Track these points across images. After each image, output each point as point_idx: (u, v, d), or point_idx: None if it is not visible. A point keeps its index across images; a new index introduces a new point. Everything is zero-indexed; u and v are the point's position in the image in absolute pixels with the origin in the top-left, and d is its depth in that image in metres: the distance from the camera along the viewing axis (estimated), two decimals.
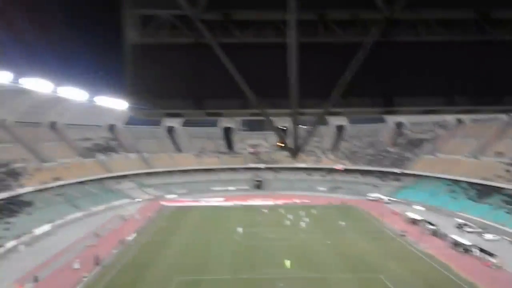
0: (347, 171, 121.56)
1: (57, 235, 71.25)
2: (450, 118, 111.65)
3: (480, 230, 69.02)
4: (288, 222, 77.13)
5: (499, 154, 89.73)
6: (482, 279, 47.83)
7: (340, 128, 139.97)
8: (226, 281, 48.01)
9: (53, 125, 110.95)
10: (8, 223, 69.19)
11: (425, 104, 8.00)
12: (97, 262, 54.07)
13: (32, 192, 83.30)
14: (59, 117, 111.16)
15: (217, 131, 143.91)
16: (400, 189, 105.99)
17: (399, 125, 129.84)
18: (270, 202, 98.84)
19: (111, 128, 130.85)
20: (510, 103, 7.94)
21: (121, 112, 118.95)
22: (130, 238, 67.14)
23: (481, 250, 57.10)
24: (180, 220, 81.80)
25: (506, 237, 65.67)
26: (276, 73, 7.76)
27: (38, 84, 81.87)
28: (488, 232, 67.28)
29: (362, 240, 65.17)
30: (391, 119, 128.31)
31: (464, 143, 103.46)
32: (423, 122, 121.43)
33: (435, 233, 68.14)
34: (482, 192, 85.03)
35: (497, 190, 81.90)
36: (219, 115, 9.03)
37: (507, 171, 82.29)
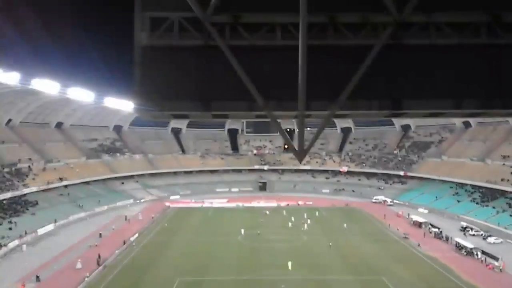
0: (351, 173, 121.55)
1: (60, 235, 71.43)
2: (456, 121, 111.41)
3: (483, 233, 68.81)
4: (291, 224, 77.06)
5: (506, 157, 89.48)
6: (484, 282, 47.72)
7: (345, 131, 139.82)
8: (228, 282, 48.04)
9: (59, 126, 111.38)
10: (12, 223, 69.44)
11: (434, 106, 7.97)
12: (99, 262, 54.16)
13: (36, 192, 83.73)
14: (65, 118, 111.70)
15: (223, 133, 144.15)
16: (405, 191, 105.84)
17: (405, 128, 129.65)
18: (273, 204, 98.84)
19: (117, 129, 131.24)
20: None
21: (127, 113, 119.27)
22: (133, 238, 67.23)
23: (484, 253, 56.99)
24: (183, 221, 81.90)
25: (509, 240, 65.48)
26: (284, 75, 7.77)
27: (45, 85, 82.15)
28: (491, 235, 67.07)
29: (365, 242, 65.08)
30: (398, 122, 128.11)
31: (470, 146, 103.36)
32: (429, 125, 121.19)
33: (438, 236, 67.99)
34: (487, 195, 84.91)
35: (502, 193, 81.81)
36: (225, 116, 9.05)
37: None
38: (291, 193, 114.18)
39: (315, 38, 7.60)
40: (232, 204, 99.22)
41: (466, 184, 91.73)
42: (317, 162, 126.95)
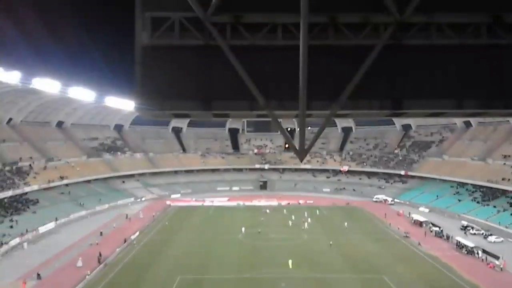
0: (352, 172, 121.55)
1: (61, 233, 71.53)
2: (457, 121, 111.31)
3: (484, 232, 68.80)
4: (291, 223, 77.08)
5: (506, 157, 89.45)
6: (485, 280, 47.72)
7: (346, 130, 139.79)
8: (228, 281, 48.09)
9: (60, 125, 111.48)
10: (13, 221, 69.54)
11: (435, 106, 7.99)
12: (100, 260, 54.23)
13: (37, 190, 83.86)
14: (66, 117, 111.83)
15: (223, 132, 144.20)
16: (405, 191, 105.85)
17: (406, 127, 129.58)
18: (274, 203, 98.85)
19: (118, 128, 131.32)
20: None
21: (128, 113, 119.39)
22: (133, 237, 67.28)
23: (485, 252, 57.01)
24: (184, 220, 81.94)
25: (510, 239, 65.52)
26: (285, 75, 7.79)
27: (46, 84, 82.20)
28: (492, 234, 67.06)
29: (366, 241, 65.09)
30: (398, 122, 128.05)
31: (470, 145, 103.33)
32: (430, 124, 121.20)
33: (439, 235, 68.00)
34: (488, 194, 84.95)
35: (503, 192, 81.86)
36: (226, 116, 9.07)
37: None
38: (291, 192, 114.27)
39: (316, 38, 7.62)
40: (233, 203, 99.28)
41: (467, 184, 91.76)
42: (317, 161, 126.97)
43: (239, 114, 8.85)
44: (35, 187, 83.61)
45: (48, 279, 48.66)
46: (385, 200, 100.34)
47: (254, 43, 7.73)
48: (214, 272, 51.07)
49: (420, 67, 7.84)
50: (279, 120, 8.54)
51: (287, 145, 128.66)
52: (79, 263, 53.01)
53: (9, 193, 76.50)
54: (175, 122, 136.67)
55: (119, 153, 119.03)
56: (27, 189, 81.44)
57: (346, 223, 75.58)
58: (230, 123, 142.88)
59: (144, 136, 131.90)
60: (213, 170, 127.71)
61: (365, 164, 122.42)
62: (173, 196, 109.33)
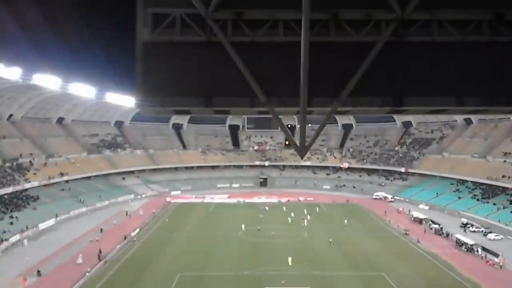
0: (352, 169, 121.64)
1: (61, 230, 71.62)
2: (458, 118, 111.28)
3: (484, 229, 68.87)
4: (291, 220, 77.14)
5: (507, 154, 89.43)
6: (484, 278, 47.76)
7: (346, 127, 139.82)
8: (228, 278, 48.13)
9: (60, 121, 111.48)
10: (13, 217, 69.61)
11: (436, 104, 7.97)
12: (100, 257, 54.28)
13: (37, 187, 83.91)
14: (67, 113, 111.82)
15: (224, 129, 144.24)
16: (405, 188, 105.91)
17: (406, 124, 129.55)
18: (274, 200, 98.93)
19: (118, 124, 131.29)
20: None
21: (128, 109, 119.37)
22: (133, 233, 67.32)
23: (484, 249, 57.06)
24: (184, 217, 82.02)
25: (509, 237, 65.55)
26: (286, 72, 7.77)
27: (47, 80, 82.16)
28: (492, 232, 67.12)
29: (366, 239, 65.16)
30: (399, 119, 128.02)
31: (471, 143, 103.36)
32: (431, 122, 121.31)
33: (439, 232, 68.07)
34: (488, 192, 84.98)
35: (503, 190, 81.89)
36: (227, 112, 9.05)
37: None
38: (292, 189, 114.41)
39: (317, 35, 7.61)
40: (233, 200, 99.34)
41: (467, 181, 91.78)
42: (318, 158, 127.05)
43: (240, 110, 8.82)
44: (35, 183, 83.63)
45: (48, 276, 48.72)
46: (385, 197, 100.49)
47: (255, 40, 7.72)
48: (214, 269, 51.13)
49: (421, 64, 7.82)
50: (280, 116, 8.52)
51: (287, 142, 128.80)
52: (79, 260, 53.07)
53: (10, 189, 76.53)
54: (175, 119, 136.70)
55: (119, 149, 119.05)
56: (27, 185, 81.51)
57: (346, 221, 75.53)
58: (231, 120, 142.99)
59: (144, 133, 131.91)
60: (213, 167, 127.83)
61: (365, 161, 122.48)
62: (173, 193, 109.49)
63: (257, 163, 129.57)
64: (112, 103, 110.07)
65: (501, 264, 52.00)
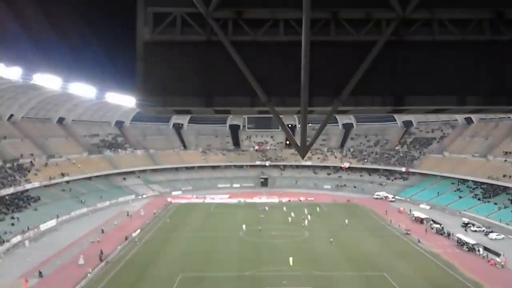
0: (353, 169, 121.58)
1: (63, 230, 71.61)
2: (458, 117, 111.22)
3: (485, 229, 68.81)
4: (292, 220, 77.07)
5: (508, 153, 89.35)
6: (486, 277, 47.70)
7: (347, 127, 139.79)
8: (229, 278, 48.11)
9: (60, 121, 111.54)
10: (14, 218, 69.60)
11: (437, 103, 7.96)
12: (102, 258, 54.27)
13: (38, 187, 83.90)
14: (67, 113, 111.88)
15: (224, 129, 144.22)
16: (406, 187, 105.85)
17: (407, 124, 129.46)
18: (275, 200, 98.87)
19: (119, 124, 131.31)
20: None
21: (129, 109, 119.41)
22: (135, 234, 67.32)
23: (486, 249, 57.00)
24: (185, 217, 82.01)
25: (511, 236, 65.48)
26: (287, 71, 7.77)
27: (47, 80, 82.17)
28: (493, 231, 67.06)
29: (367, 238, 65.12)
30: (399, 118, 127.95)
31: (472, 142, 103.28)
32: (431, 121, 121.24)
33: (440, 232, 68.01)
34: (489, 191, 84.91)
35: (504, 189, 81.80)
36: (228, 112, 9.04)
37: None
38: (292, 189, 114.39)
39: (318, 34, 7.60)
40: (234, 200, 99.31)
41: (468, 180, 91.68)
42: (318, 158, 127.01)
43: (241, 110, 8.81)
44: (36, 184, 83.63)
45: (49, 277, 48.72)
46: (386, 197, 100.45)
47: (256, 39, 7.71)
48: (215, 269, 51.10)
49: (422, 63, 7.81)
50: (281, 116, 8.51)
51: (288, 142, 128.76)
52: (81, 261, 53.07)
53: (10, 190, 76.49)
54: (176, 119, 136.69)
55: (120, 149, 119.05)
56: (28, 186, 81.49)
57: (346, 220, 75.43)
58: (231, 120, 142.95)
59: (145, 133, 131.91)
60: (214, 167, 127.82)
61: (366, 160, 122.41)
62: (174, 193, 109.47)
63: (258, 163, 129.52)
64: (112, 103, 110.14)
65: (502, 263, 51.94)
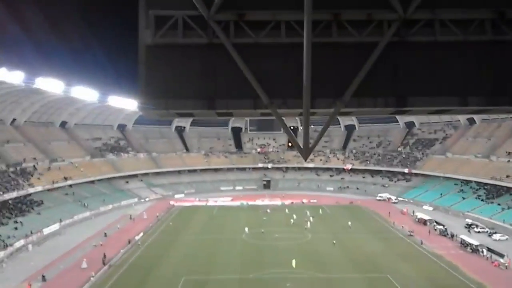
0: (356, 171, 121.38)
1: (66, 234, 71.69)
2: (461, 118, 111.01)
3: (488, 230, 68.59)
4: (295, 222, 76.93)
5: (511, 154, 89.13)
6: (490, 279, 47.49)
7: (349, 128, 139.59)
8: (233, 281, 48.02)
9: (63, 125, 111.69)
10: (18, 222, 69.68)
11: (439, 104, 7.95)
12: (105, 261, 54.26)
13: (41, 191, 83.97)
14: (70, 117, 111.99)
15: (226, 131, 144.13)
16: (409, 189, 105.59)
17: (409, 125, 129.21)
18: (277, 202, 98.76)
19: (121, 128, 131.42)
20: None
21: (131, 112, 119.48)
22: (138, 237, 67.31)
23: (490, 250, 56.81)
24: (188, 220, 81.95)
25: None
26: (289, 73, 7.77)
27: (49, 84, 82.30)
28: (496, 232, 66.84)
29: (370, 240, 64.97)
30: (402, 119, 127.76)
31: (474, 143, 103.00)
32: (434, 122, 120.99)
33: (443, 233, 67.83)
34: (492, 192, 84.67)
35: (507, 190, 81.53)
36: (230, 115, 9.04)
37: None
38: (295, 191, 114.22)
39: (319, 36, 7.59)
40: (236, 203, 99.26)
41: (471, 181, 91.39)
42: (321, 160, 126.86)
43: (243, 112, 8.82)
44: (39, 188, 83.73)
45: (53, 281, 48.72)
46: (389, 199, 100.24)
47: (258, 41, 7.71)
48: (218, 272, 51.03)
49: (424, 64, 7.80)
50: (283, 118, 8.51)
51: (290, 144, 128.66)
52: (84, 265, 53.05)
53: (14, 194, 76.59)
54: (178, 121, 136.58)
55: (122, 153, 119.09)
56: (31, 190, 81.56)
57: (349, 222, 75.24)
58: (233, 122, 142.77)
59: (147, 136, 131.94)
60: (216, 170, 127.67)
61: (368, 162, 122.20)
62: (176, 196, 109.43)
63: (260, 165, 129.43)
64: (114, 107, 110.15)
65: (506, 264, 51.74)
